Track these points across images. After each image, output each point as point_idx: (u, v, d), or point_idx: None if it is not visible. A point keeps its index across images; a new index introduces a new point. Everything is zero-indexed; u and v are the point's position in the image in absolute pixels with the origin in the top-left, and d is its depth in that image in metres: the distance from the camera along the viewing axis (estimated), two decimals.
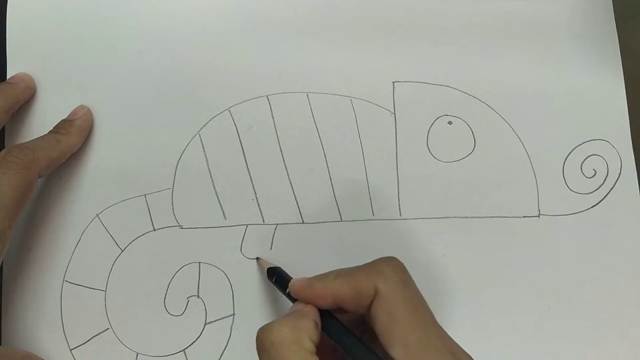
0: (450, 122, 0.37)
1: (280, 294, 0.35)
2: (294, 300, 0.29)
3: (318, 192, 0.35)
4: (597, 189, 0.37)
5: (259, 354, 0.26)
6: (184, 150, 0.35)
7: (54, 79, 0.35)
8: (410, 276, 0.27)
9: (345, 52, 0.37)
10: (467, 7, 0.37)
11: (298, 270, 0.35)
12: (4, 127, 0.35)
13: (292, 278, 0.31)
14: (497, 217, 0.36)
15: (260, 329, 0.26)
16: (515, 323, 0.35)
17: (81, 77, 0.36)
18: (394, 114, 0.36)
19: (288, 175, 0.36)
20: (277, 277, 0.32)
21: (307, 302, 0.28)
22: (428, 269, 0.35)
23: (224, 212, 0.35)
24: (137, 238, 0.35)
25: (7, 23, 0.35)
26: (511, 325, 0.35)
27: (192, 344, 0.34)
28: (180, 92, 0.36)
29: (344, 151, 0.36)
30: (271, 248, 0.35)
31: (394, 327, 0.25)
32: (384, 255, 0.28)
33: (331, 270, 0.29)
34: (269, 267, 0.33)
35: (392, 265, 0.27)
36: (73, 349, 0.34)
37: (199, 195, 0.35)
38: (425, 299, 0.27)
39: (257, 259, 0.35)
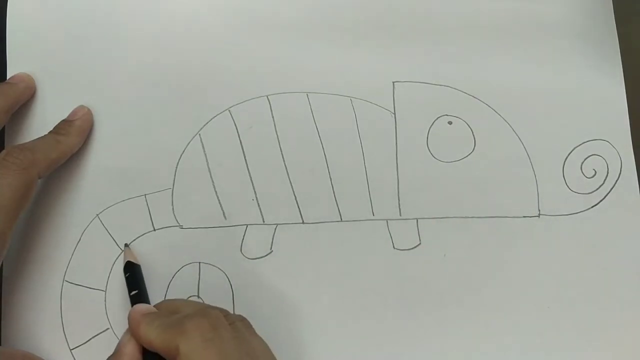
0: (450, 122, 0.37)
1: (279, 294, 0.35)
2: (135, 302, 0.31)
3: (318, 192, 0.35)
4: (597, 189, 0.37)
5: None
6: (184, 150, 0.35)
7: (54, 79, 0.35)
8: (223, 333, 0.26)
9: (345, 52, 0.37)
10: (467, 7, 0.37)
11: (298, 271, 0.35)
12: (4, 127, 0.35)
13: (144, 285, 0.32)
14: (497, 217, 0.36)
15: None
16: (515, 323, 0.35)
17: (81, 77, 0.36)
18: (394, 114, 0.36)
19: (288, 175, 0.36)
20: (130, 274, 0.32)
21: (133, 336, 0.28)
22: (428, 269, 0.35)
23: (224, 212, 0.35)
24: (137, 238, 0.35)
25: (7, 23, 0.35)
26: (511, 325, 0.35)
27: None
28: (180, 92, 0.36)
29: (344, 151, 0.36)
30: (271, 248, 0.35)
31: None
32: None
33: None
34: (128, 260, 0.33)
35: (196, 324, 0.26)
36: (73, 349, 0.34)
37: (199, 195, 0.35)
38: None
39: (126, 245, 0.34)
